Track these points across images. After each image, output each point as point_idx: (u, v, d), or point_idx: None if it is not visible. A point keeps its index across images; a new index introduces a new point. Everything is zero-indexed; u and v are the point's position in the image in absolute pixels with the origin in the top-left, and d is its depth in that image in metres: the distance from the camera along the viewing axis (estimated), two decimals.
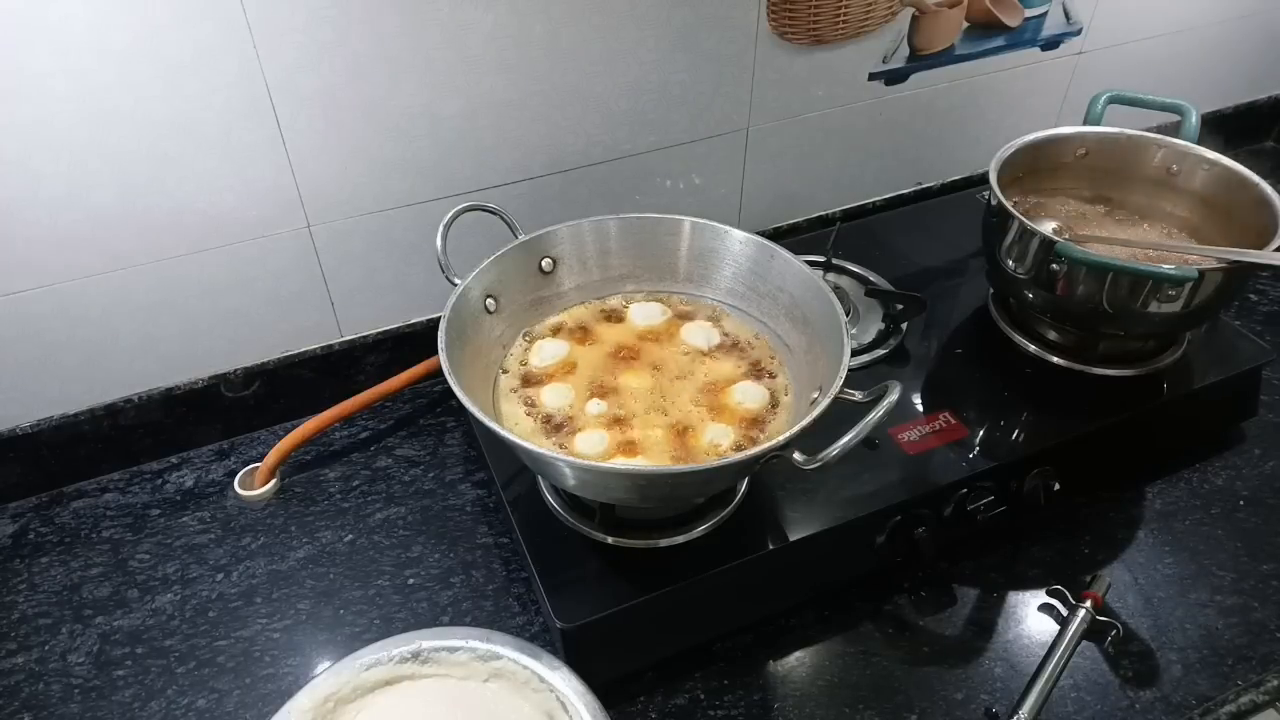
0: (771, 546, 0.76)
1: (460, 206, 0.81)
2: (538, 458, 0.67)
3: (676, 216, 0.86)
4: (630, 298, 0.88)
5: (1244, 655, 0.78)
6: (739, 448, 0.74)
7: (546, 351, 0.82)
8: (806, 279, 0.79)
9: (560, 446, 0.74)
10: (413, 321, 1.02)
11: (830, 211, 1.20)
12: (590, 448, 0.74)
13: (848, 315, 0.97)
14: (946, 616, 0.82)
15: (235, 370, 0.96)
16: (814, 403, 0.68)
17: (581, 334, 0.85)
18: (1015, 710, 0.72)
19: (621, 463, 0.72)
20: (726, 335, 0.85)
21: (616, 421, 0.76)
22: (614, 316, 0.87)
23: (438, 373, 0.70)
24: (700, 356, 0.82)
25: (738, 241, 0.84)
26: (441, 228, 0.79)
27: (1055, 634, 0.78)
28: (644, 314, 0.86)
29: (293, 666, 0.78)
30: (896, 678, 0.77)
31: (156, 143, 0.80)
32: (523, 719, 0.63)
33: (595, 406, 0.77)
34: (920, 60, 1.11)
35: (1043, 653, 0.77)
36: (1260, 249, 0.81)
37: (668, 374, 0.81)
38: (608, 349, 0.83)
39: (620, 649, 0.75)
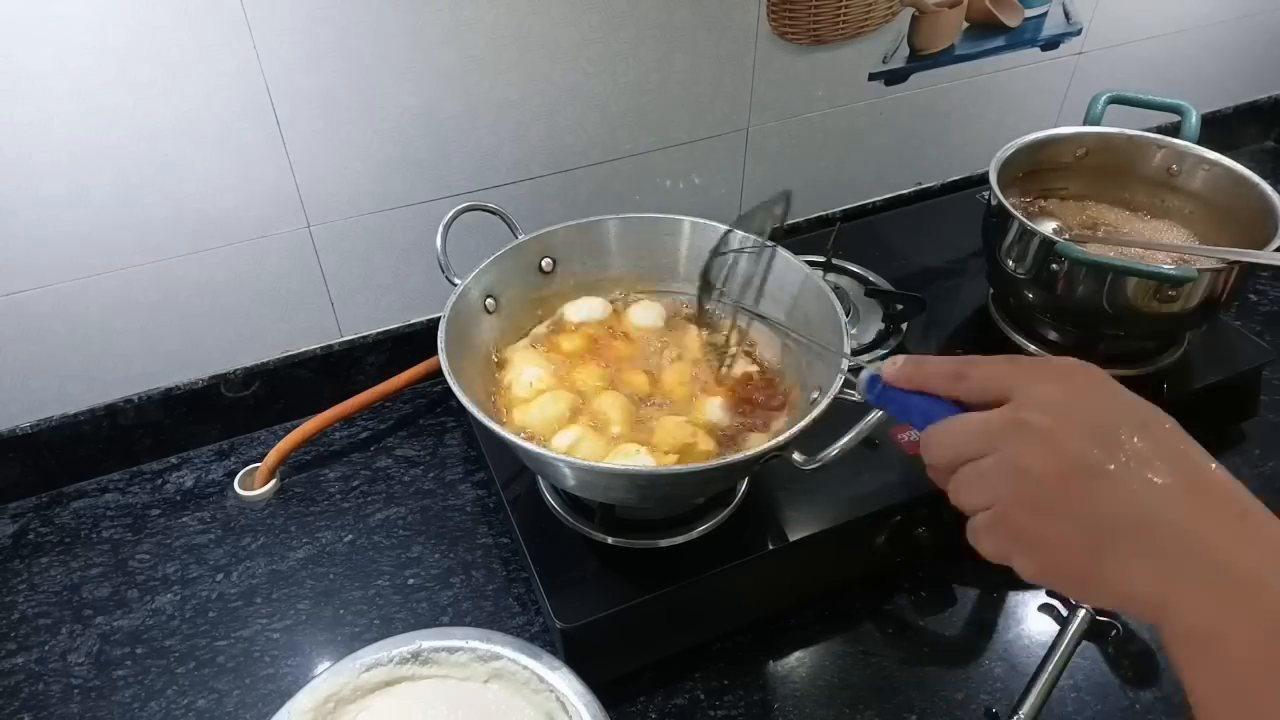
0: (771, 546, 0.76)
1: (460, 206, 0.80)
2: (537, 458, 0.67)
3: (676, 216, 0.86)
4: (630, 298, 0.88)
5: None
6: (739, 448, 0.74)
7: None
8: (806, 279, 0.79)
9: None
10: (413, 321, 1.02)
11: (830, 211, 1.20)
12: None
13: (848, 315, 0.97)
14: (946, 616, 0.82)
15: (235, 370, 0.96)
16: (814, 403, 0.68)
17: (581, 334, 0.84)
18: (1015, 710, 0.72)
19: (621, 463, 0.72)
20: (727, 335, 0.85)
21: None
22: (614, 316, 0.87)
23: (438, 373, 0.70)
24: (701, 356, 0.82)
25: (738, 241, 0.84)
26: (441, 228, 0.78)
27: (1055, 634, 0.78)
28: (644, 314, 0.86)
29: (293, 666, 0.78)
30: (896, 678, 0.77)
31: (156, 143, 0.80)
32: None
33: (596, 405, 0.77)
34: (920, 60, 1.11)
35: (1043, 653, 0.77)
36: (1260, 249, 0.81)
37: (667, 373, 0.80)
38: (608, 349, 0.83)
39: (620, 649, 0.75)
